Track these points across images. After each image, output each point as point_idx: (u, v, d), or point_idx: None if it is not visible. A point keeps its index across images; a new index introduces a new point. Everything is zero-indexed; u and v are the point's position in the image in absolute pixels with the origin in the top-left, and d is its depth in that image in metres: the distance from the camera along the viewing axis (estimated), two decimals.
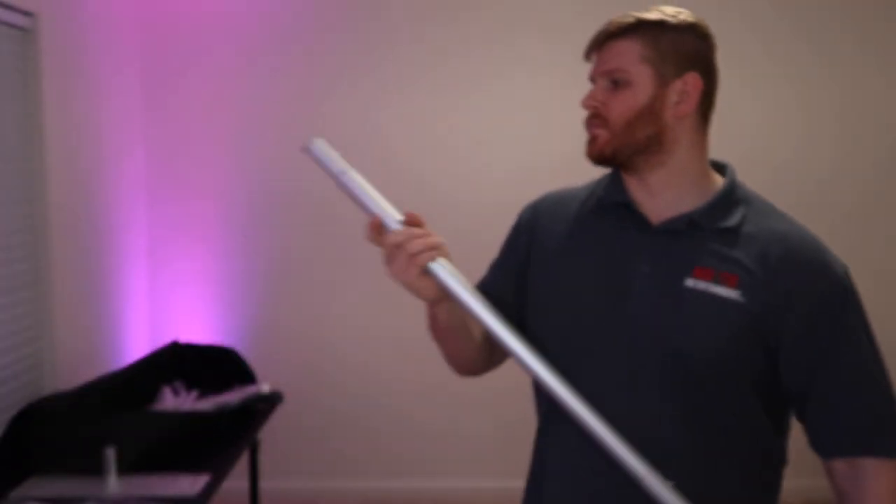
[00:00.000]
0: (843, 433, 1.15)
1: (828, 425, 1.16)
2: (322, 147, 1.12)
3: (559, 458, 1.25)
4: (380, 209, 1.12)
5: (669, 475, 1.09)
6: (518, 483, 1.50)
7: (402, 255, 1.07)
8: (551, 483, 1.26)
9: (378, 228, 1.11)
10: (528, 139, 3.62)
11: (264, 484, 3.12)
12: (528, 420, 3.86)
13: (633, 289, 1.16)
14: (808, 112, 3.60)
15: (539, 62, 3.59)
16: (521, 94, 3.61)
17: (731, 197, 1.18)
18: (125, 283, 3.43)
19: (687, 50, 1.15)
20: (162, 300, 3.67)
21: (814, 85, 3.59)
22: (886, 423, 1.15)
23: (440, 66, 3.62)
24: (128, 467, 2.22)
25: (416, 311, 3.65)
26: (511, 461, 3.69)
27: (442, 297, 1.14)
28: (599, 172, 1.30)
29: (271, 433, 3.17)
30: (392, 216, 1.12)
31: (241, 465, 2.76)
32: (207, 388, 2.86)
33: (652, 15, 1.15)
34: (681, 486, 1.09)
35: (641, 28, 1.14)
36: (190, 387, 2.86)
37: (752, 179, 1.36)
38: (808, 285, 1.13)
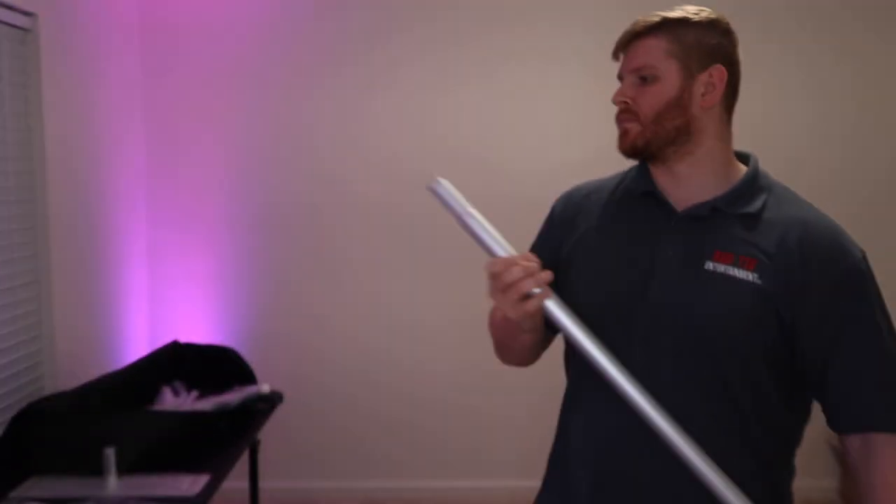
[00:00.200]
0: (858, 409, 1.19)
1: (843, 403, 1.20)
2: (447, 188, 1.17)
3: (584, 432, 1.31)
4: (500, 249, 1.17)
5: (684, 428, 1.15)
6: (518, 483, 1.50)
7: (513, 295, 1.13)
8: (576, 456, 1.32)
9: (501, 267, 1.16)
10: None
11: (264, 484, 3.12)
12: (527, 420, 3.84)
13: (658, 271, 1.22)
14: (820, 102, 3.59)
15: (554, 51, 3.59)
16: (536, 85, 3.61)
17: (754, 185, 1.25)
18: (125, 283, 3.43)
19: (710, 44, 1.22)
20: (162, 300, 3.67)
21: (826, 75, 3.57)
22: None
23: (451, 60, 3.61)
24: (128, 467, 2.22)
25: (416, 312, 3.67)
26: (511, 461, 3.70)
27: (537, 325, 1.21)
28: (624, 166, 1.35)
29: (271, 433, 3.16)
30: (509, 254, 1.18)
31: (241, 465, 2.75)
32: (207, 388, 2.86)
33: (675, 13, 1.22)
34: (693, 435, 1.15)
35: (666, 26, 1.21)
36: (190, 387, 2.86)
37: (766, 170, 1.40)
38: (825, 268, 1.18)
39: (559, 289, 1.22)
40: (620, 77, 1.27)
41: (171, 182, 3.65)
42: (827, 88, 3.58)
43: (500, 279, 1.13)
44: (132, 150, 3.54)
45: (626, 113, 1.24)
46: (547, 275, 1.15)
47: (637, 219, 1.28)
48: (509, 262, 1.14)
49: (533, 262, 1.15)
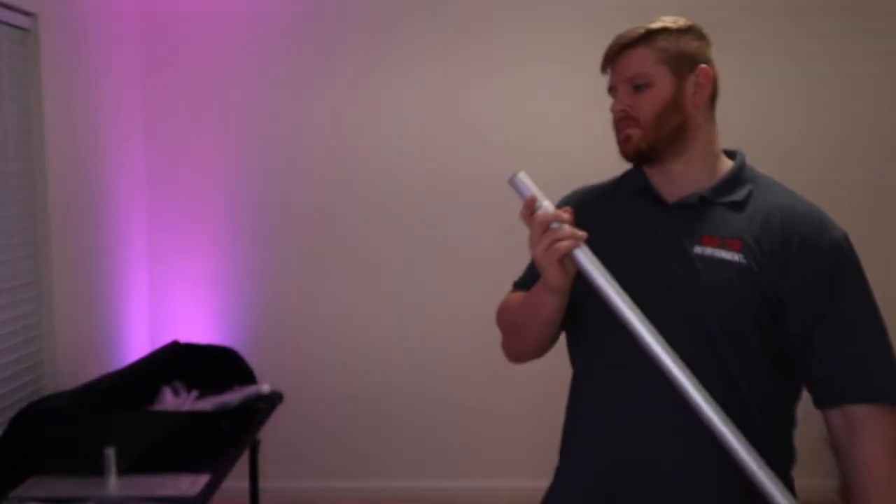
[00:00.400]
0: (836, 383, 1.26)
1: (823, 377, 1.27)
2: (524, 179, 1.27)
3: (588, 423, 1.38)
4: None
5: (686, 422, 1.22)
6: (518, 483, 1.51)
7: (549, 237, 1.22)
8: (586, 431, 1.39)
9: (532, 207, 1.25)
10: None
11: (264, 484, 3.12)
12: (529, 420, 3.84)
13: (654, 259, 1.31)
14: (808, 100, 3.59)
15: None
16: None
17: (740, 176, 1.34)
18: (125, 283, 3.43)
19: (692, 48, 1.33)
20: (162, 300, 3.67)
21: (814, 73, 3.57)
22: (876, 371, 1.26)
23: (450, 57, 3.61)
24: (128, 467, 2.22)
25: (416, 312, 3.67)
26: (512, 461, 3.70)
27: (564, 288, 1.27)
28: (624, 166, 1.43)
29: (271, 433, 3.16)
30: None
31: (241, 465, 2.75)
32: (207, 388, 2.86)
33: (656, 24, 1.33)
34: (694, 432, 1.22)
35: (650, 36, 1.31)
36: (190, 387, 2.86)
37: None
38: (806, 247, 1.26)
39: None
40: (611, 89, 1.36)
41: (171, 182, 3.65)
42: (815, 86, 3.58)
43: (544, 223, 1.23)
44: (132, 150, 3.54)
45: (625, 120, 1.32)
46: (584, 234, 1.24)
47: (633, 214, 1.37)
48: (558, 216, 1.23)
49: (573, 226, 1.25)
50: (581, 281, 1.27)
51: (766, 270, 1.25)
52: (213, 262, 3.67)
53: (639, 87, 1.31)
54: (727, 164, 1.37)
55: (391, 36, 3.61)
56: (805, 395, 1.36)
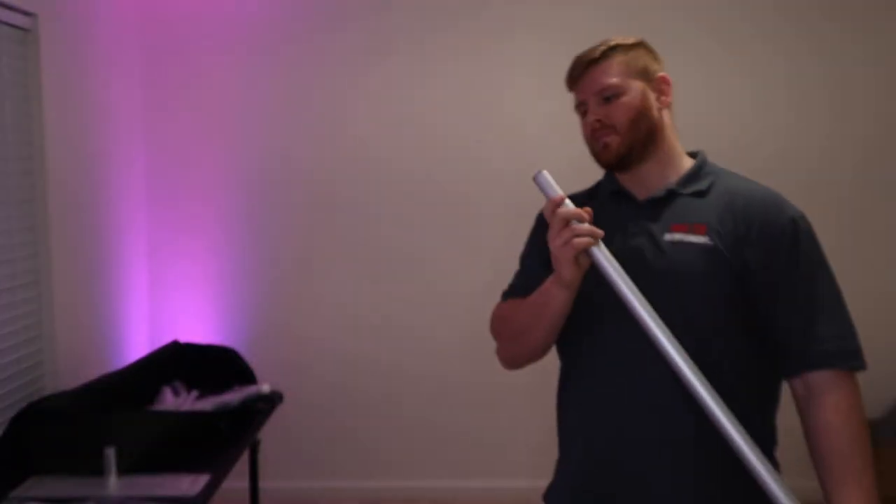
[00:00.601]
0: (795, 352, 1.34)
1: (784, 347, 1.36)
2: (547, 178, 1.36)
3: (577, 408, 1.47)
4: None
5: (671, 392, 1.31)
6: (518, 483, 1.52)
7: (568, 233, 1.29)
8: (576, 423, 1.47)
9: (558, 204, 1.31)
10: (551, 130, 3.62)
11: (264, 484, 3.12)
12: (529, 420, 3.83)
13: (630, 250, 1.40)
14: (798, 101, 3.58)
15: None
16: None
17: (702, 170, 1.47)
18: (125, 283, 3.43)
19: (647, 59, 1.46)
20: (162, 300, 3.67)
21: (804, 75, 3.57)
22: (832, 338, 1.33)
23: (449, 65, 3.62)
24: (128, 467, 2.22)
25: (416, 312, 3.67)
26: (514, 461, 3.70)
27: (576, 284, 1.33)
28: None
29: (271, 433, 3.17)
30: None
31: (241, 465, 2.75)
32: (207, 388, 2.86)
33: (612, 42, 1.45)
34: (680, 401, 1.29)
35: (611, 51, 1.43)
36: (190, 387, 2.86)
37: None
38: (765, 226, 1.36)
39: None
40: (580, 106, 1.46)
41: (171, 182, 3.65)
42: (804, 87, 3.58)
43: (565, 219, 1.30)
44: (132, 150, 3.54)
45: (602, 130, 1.42)
46: (601, 231, 1.31)
47: (609, 215, 1.44)
48: (578, 214, 1.30)
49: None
50: (585, 279, 1.34)
51: (731, 249, 1.35)
52: (213, 262, 3.67)
53: (608, 99, 1.41)
54: (689, 162, 1.48)
55: (389, 36, 3.61)
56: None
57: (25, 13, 2.67)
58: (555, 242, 1.30)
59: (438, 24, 3.61)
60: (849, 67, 3.57)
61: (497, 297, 1.59)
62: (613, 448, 1.39)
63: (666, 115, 1.46)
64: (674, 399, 1.32)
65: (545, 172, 1.36)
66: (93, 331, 3.12)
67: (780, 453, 1.41)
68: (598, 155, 1.45)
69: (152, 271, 3.66)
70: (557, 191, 1.34)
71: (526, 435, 3.57)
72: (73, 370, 2.84)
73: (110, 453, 2.18)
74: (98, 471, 2.18)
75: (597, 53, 1.43)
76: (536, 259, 1.52)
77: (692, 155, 1.52)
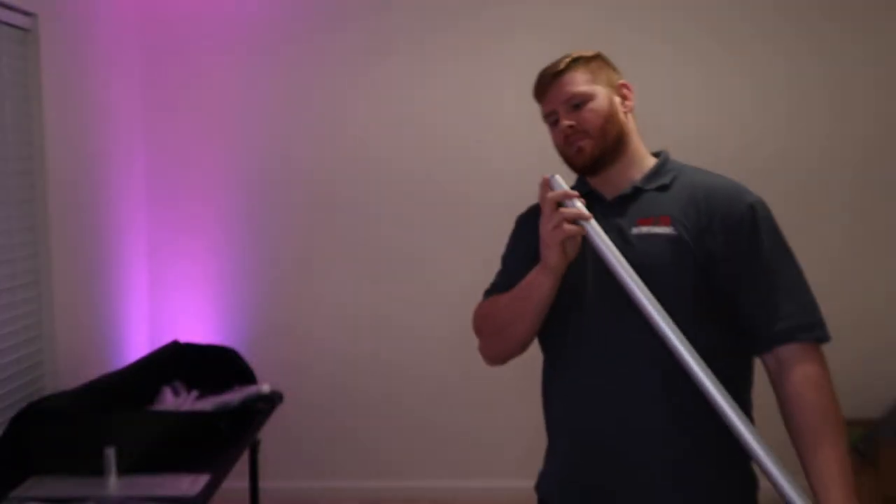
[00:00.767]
0: (763, 329, 1.40)
1: (752, 326, 1.41)
2: (559, 181, 1.40)
3: (561, 399, 1.52)
4: (605, 248, 1.36)
5: (652, 380, 1.39)
6: (518, 483, 1.52)
7: (558, 216, 1.34)
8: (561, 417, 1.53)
9: (547, 187, 1.38)
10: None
11: (264, 484, 3.12)
12: (529, 420, 3.85)
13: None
14: (798, 101, 3.57)
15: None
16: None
17: (664, 167, 1.54)
18: (125, 283, 3.43)
19: (606, 69, 1.55)
20: (162, 300, 3.67)
21: (804, 75, 3.57)
22: (796, 312, 1.39)
23: (449, 65, 3.62)
24: (128, 467, 2.22)
25: (415, 312, 3.67)
26: (513, 461, 3.70)
27: (561, 270, 1.39)
28: None
29: (271, 433, 3.17)
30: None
31: (241, 465, 2.76)
32: (207, 388, 2.86)
33: (574, 54, 1.54)
34: (660, 389, 1.38)
35: (574, 63, 1.52)
36: (190, 387, 2.86)
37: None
38: (725, 213, 1.43)
39: None
40: (549, 116, 1.53)
41: (171, 182, 3.65)
42: (804, 88, 3.57)
43: (553, 200, 1.36)
44: (132, 150, 3.54)
45: (575, 135, 1.49)
46: (589, 214, 1.37)
47: None
48: (568, 194, 1.36)
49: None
50: (568, 270, 1.40)
51: (695, 238, 1.41)
52: (212, 262, 3.67)
53: (578, 106, 1.49)
54: (653, 161, 1.56)
55: (389, 36, 3.61)
56: None
57: (25, 13, 2.67)
58: (545, 227, 1.36)
59: (438, 24, 3.61)
60: (849, 67, 3.57)
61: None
62: (599, 438, 1.44)
63: (630, 118, 1.54)
64: (659, 388, 1.38)
65: (557, 176, 1.40)
66: (93, 331, 3.12)
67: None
68: (572, 159, 1.51)
69: (152, 271, 3.66)
70: (570, 193, 1.39)
71: (526, 435, 3.56)
72: (73, 370, 2.84)
73: (110, 453, 2.18)
74: (98, 471, 2.18)
75: (561, 66, 1.51)
76: (517, 258, 1.59)
77: (656, 155, 1.59)
